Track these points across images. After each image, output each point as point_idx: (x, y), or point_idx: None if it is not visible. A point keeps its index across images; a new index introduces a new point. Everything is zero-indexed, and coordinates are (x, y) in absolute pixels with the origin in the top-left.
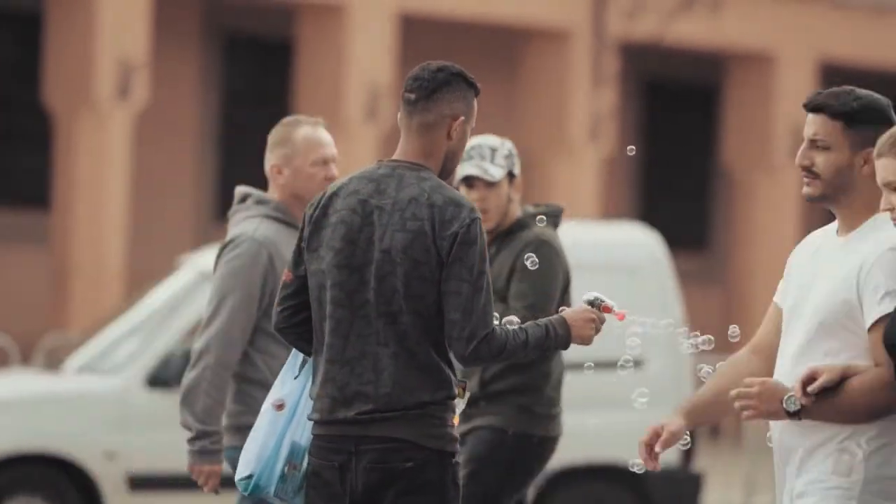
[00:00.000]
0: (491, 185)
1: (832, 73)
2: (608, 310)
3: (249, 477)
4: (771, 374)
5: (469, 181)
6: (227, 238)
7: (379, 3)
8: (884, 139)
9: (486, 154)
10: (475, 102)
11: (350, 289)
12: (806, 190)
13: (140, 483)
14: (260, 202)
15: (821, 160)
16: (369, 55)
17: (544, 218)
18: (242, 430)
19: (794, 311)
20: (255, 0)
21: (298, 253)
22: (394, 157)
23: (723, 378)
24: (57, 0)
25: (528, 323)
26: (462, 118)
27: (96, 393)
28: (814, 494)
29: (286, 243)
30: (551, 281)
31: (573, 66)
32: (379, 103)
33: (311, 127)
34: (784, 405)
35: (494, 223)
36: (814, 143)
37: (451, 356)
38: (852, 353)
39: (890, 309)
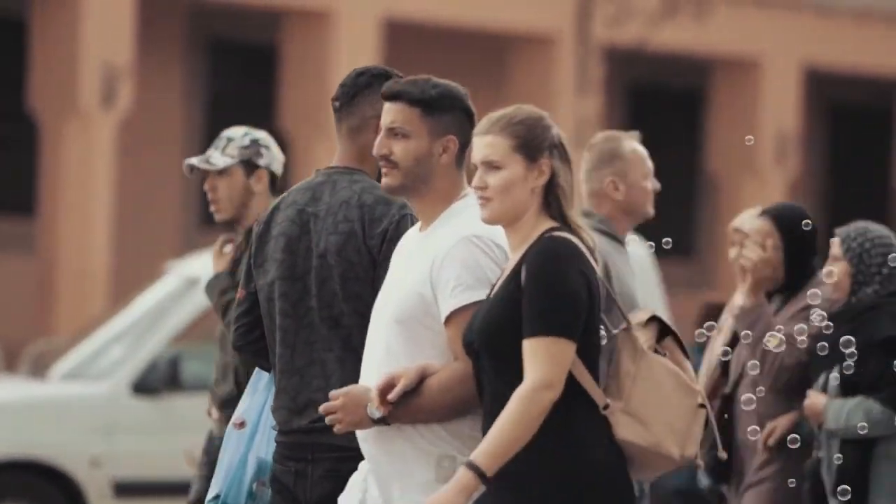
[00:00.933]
0: (220, 174)
1: (817, 79)
2: None
3: (216, 497)
4: None
5: (190, 170)
6: None
7: (364, 8)
8: (492, 117)
9: (221, 143)
10: None
11: (294, 298)
12: (384, 181)
13: (126, 490)
14: (585, 215)
15: (399, 148)
16: (355, 61)
17: None
18: None
19: (379, 311)
20: (241, 6)
21: (248, 270)
22: (333, 163)
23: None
24: (42, 6)
25: None
26: None
27: (82, 399)
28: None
29: (616, 257)
30: None
31: (558, 72)
32: None
33: (634, 140)
34: (369, 413)
35: (227, 215)
36: (392, 132)
37: None
38: (435, 351)
39: (464, 300)
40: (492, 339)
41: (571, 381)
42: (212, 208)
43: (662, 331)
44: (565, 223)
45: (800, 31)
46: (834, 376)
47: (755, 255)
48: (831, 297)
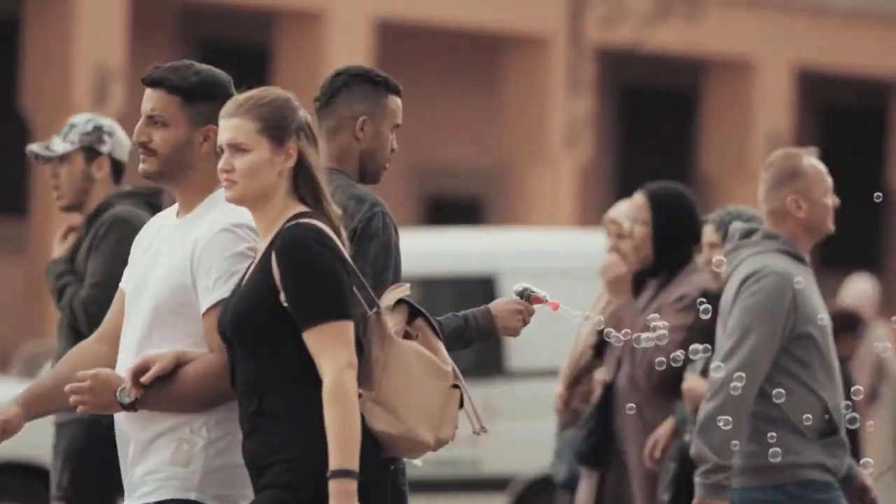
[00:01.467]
0: (61, 161)
1: (809, 80)
2: (539, 300)
3: None
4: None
5: (35, 157)
6: (746, 272)
7: (357, 9)
8: (238, 99)
9: (64, 130)
10: (389, 100)
11: None
12: (142, 167)
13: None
14: (768, 237)
15: (158, 137)
16: (348, 62)
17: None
18: (759, 471)
19: (134, 296)
20: (233, 6)
21: None
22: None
23: (66, 366)
24: (34, 7)
25: (447, 315)
26: (364, 118)
27: None
28: (150, 485)
29: (802, 277)
30: (114, 261)
31: (550, 73)
32: None
33: (812, 156)
34: (118, 397)
35: (67, 201)
36: (151, 119)
37: None
38: (193, 341)
39: (224, 293)
40: (243, 329)
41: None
42: (54, 195)
43: (413, 313)
44: (315, 206)
45: (792, 32)
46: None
47: (635, 232)
48: (711, 284)
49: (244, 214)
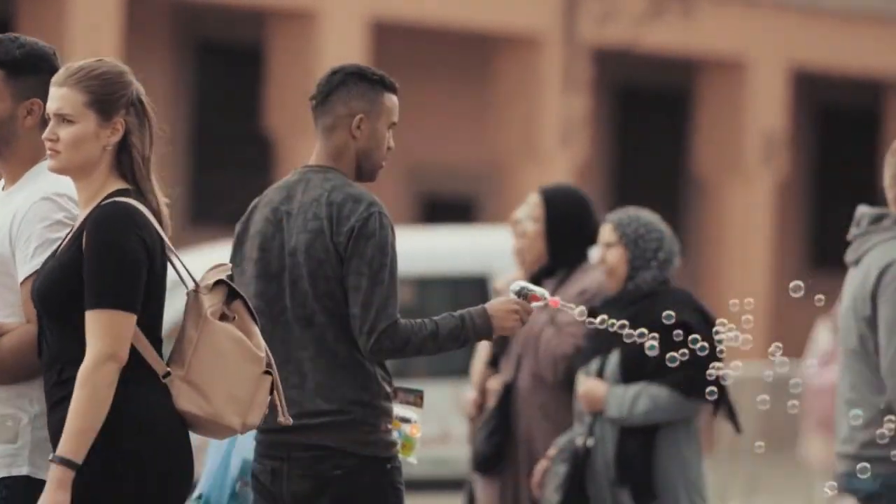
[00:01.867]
0: None
1: (804, 80)
2: (537, 299)
3: (199, 497)
4: None
5: None
6: (887, 261)
7: (351, 9)
8: (70, 67)
9: None
10: (385, 98)
11: (269, 297)
12: None
13: None
14: (878, 219)
15: None
16: (341, 61)
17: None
18: None
19: None
20: (227, 6)
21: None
22: (310, 162)
23: None
24: (28, 7)
25: (444, 314)
26: (361, 115)
27: None
28: None
29: None
30: None
31: (545, 72)
32: None
33: None
34: None
35: None
36: None
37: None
38: (10, 310)
39: (41, 263)
40: (50, 301)
41: (133, 352)
42: None
43: (231, 295)
44: (134, 184)
45: (786, 32)
46: (613, 362)
47: (528, 229)
48: (603, 284)
49: (67, 184)
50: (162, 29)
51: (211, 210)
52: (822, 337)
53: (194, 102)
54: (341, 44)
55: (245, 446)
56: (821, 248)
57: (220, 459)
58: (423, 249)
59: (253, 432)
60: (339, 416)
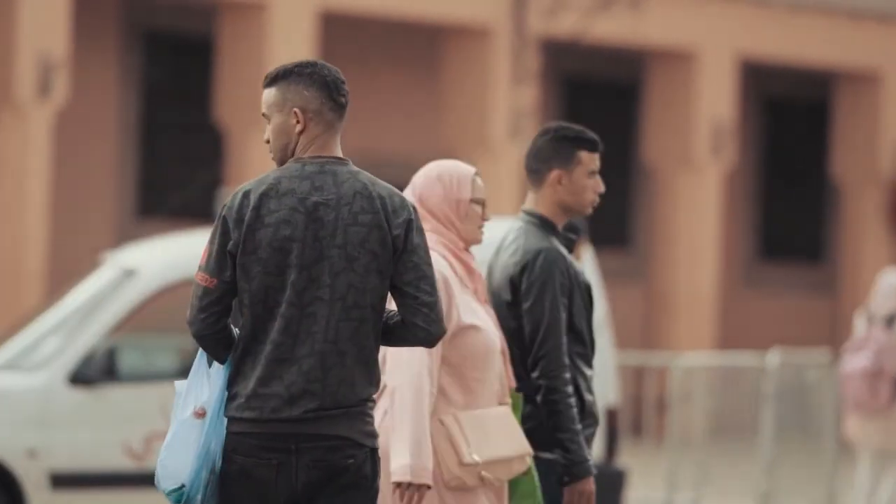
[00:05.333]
0: None
1: (752, 71)
2: None
3: (181, 487)
4: None
5: None
6: None
7: (300, 1)
8: None
9: None
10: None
11: (300, 287)
12: None
13: (62, 481)
14: None
15: None
16: (290, 53)
17: None
18: None
19: None
20: None
21: (220, 258)
22: (312, 154)
23: None
24: None
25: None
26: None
27: (18, 390)
28: None
29: None
30: None
31: (494, 63)
32: None
33: None
34: None
35: None
36: None
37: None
38: None
39: None
40: None
41: None
42: None
43: None
44: None
45: (735, 23)
46: None
47: None
48: None
49: None
50: (111, 20)
51: (160, 202)
52: (858, 325)
53: (144, 94)
54: (291, 35)
55: (216, 436)
56: (768, 238)
57: (198, 450)
58: None
59: (220, 421)
60: (353, 408)
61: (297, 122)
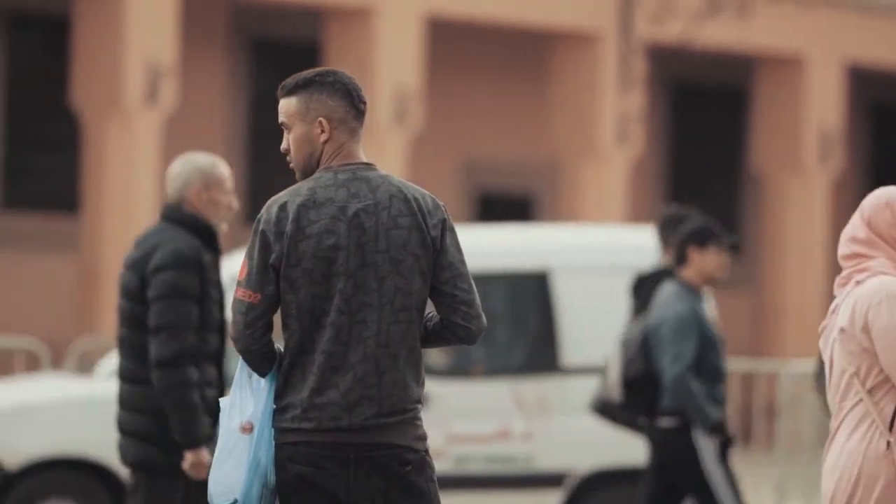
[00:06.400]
0: None
1: (859, 77)
2: None
3: (234, 503)
4: None
5: None
6: None
7: (407, 6)
8: None
9: None
10: None
11: (347, 295)
12: None
13: None
14: None
15: None
16: (397, 59)
17: None
18: None
19: None
20: (284, 4)
21: (262, 272)
22: (340, 162)
23: None
24: (85, 4)
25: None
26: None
27: None
28: None
29: None
30: None
31: (601, 69)
32: (407, 107)
33: None
34: None
35: None
36: None
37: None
38: None
39: None
40: None
41: None
42: None
43: None
44: None
45: (842, 29)
46: None
47: None
48: None
49: None
50: (219, 27)
51: None
52: None
53: (251, 100)
54: (398, 41)
55: (265, 449)
56: None
57: (249, 464)
58: (480, 246)
59: (267, 434)
60: (408, 413)
61: (322, 131)
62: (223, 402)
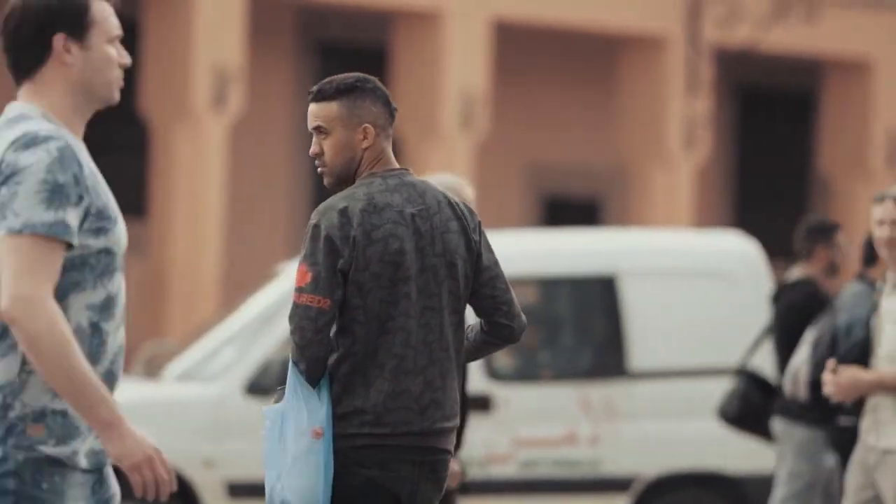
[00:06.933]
0: None
1: None
2: None
3: None
4: None
5: None
6: None
7: (474, 10)
8: None
9: None
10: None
11: (413, 299)
12: None
13: (239, 490)
14: None
15: None
16: (464, 63)
17: None
18: None
19: None
20: (351, 8)
21: (332, 277)
22: (382, 168)
23: None
24: (153, 10)
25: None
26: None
27: (195, 400)
28: None
29: None
30: None
31: (668, 73)
32: (474, 111)
33: None
34: None
35: None
36: None
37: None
38: None
39: None
40: None
41: None
42: None
43: None
44: None
45: None
46: None
47: None
48: None
49: None
50: (286, 32)
51: None
52: None
53: None
54: (465, 45)
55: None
56: None
57: (324, 469)
58: (547, 250)
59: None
60: (457, 419)
61: (365, 137)
62: (274, 409)
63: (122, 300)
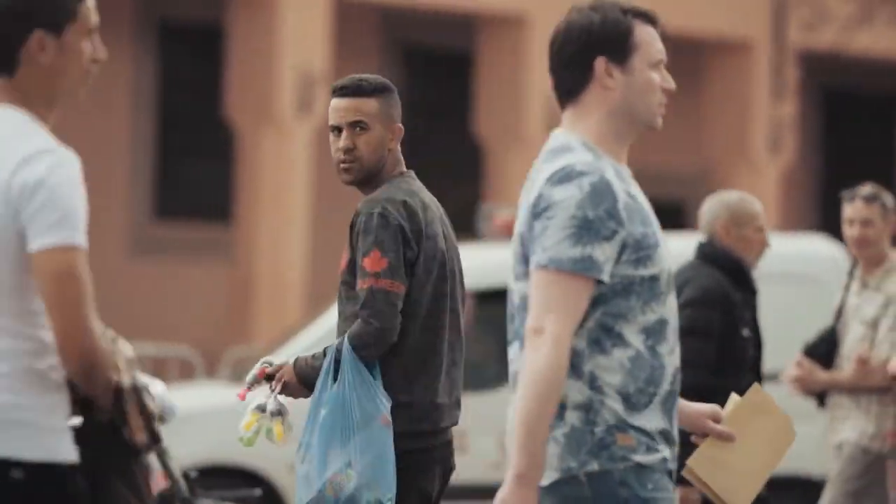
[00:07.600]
0: None
1: None
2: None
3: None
4: None
5: None
6: None
7: (559, 13)
8: None
9: None
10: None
11: (450, 296)
12: None
13: None
14: None
15: None
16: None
17: None
18: None
19: None
20: (436, 12)
21: (403, 265)
22: (401, 170)
23: None
24: (238, 15)
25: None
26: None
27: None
28: None
29: None
30: None
31: (754, 77)
32: (559, 118)
33: None
34: None
35: None
36: None
37: None
38: None
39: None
40: None
41: None
42: None
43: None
44: None
45: None
46: None
47: None
48: None
49: None
50: (371, 36)
51: None
52: None
53: (404, 109)
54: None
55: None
56: None
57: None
58: None
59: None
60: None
61: (392, 137)
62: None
63: (674, 323)
